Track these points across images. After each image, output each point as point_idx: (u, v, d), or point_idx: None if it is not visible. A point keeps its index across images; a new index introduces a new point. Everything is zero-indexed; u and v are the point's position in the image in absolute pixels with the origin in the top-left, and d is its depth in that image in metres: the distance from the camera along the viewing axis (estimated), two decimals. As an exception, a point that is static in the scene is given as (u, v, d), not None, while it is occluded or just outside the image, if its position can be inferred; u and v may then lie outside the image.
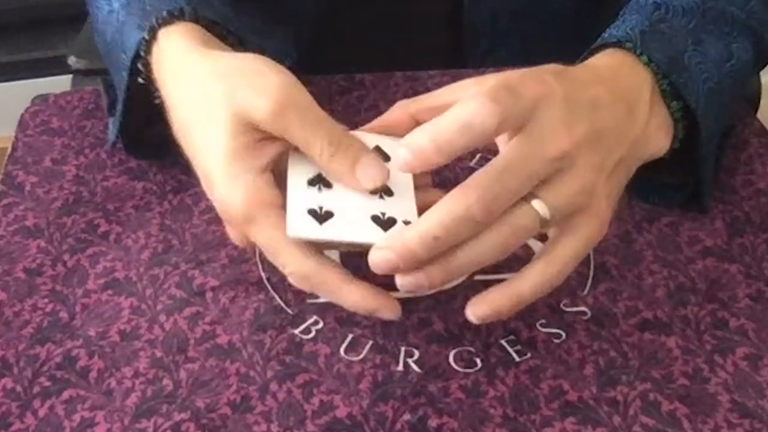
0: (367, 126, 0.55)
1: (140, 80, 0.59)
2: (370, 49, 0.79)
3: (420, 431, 0.51)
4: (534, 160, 0.48)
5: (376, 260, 0.48)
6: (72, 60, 0.95)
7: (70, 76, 0.96)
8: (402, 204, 0.51)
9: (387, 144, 0.54)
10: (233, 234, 0.55)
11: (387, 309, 0.51)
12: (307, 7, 0.82)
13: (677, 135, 0.57)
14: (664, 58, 0.56)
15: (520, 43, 0.83)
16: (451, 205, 0.47)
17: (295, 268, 0.50)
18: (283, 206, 0.50)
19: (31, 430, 0.51)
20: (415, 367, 0.54)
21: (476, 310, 0.50)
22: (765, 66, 0.67)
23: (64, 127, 0.72)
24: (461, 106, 0.47)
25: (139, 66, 0.59)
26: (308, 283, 0.51)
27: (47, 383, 0.53)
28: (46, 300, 0.58)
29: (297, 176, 0.52)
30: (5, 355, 0.55)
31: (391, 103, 0.72)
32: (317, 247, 0.51)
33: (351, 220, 0.50)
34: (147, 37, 0.58)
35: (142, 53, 0.59)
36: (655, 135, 0.56)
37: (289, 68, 0.84)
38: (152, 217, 0.64)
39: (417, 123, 0.52)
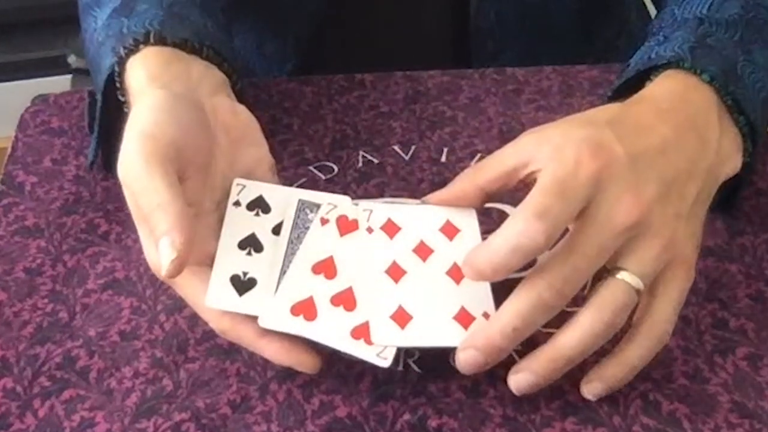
0: (434, 197, 0.54)
1: (125, 110, 0.59)
2: (373, 53, 0.79)
3: (420, 431, 0.51)
4: (602, 236, 0.48)
5: (464, 361, 0.49)
6: (72, 59, 0.95)
7: (70, 76, 0.96)
8: (478, 295, 0.51)
9: (457, 217, 0.53)
10: None
11: (303, 365, 0.50)
12: (308, 12, 0.82)
13: (747, 149, 0.57)
14: (719, 71, 0.56)
15: (526, 45, 0.83)
16: (524, 294, 0.48)
17: (214, 324, 0.51)
18: (203, 263, 0.51)
19: (31, 430, 0.51)
20: (415, 367, 0.54)
21: (591, 388, 0.51)
22: None
23: (64, 127, 0.72)
24: (510, 226, 0.47)
25: (120, 97, 0.59)
26: (228, 336, 0.52)
27: (47, 383, 0.53)
28: (46, 300, 0.58)
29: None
30: (5, 355, 0.55)
31: (391, 103, 0.73)
32: None
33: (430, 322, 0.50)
34: (117, 69, 0.58)
35: (117, 84, 0.59)
36: (728, 153, 0.55)
37: (290, 72, 0.85)
38: (152, 217, 0.64)
39: (485, 193, 0.52)
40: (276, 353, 0.50)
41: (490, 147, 0.68)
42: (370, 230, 0.53)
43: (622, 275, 0.49)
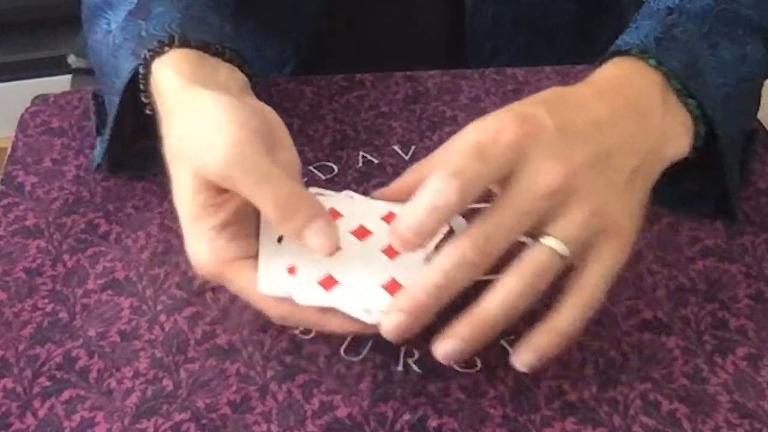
0: (381, 192, 0.55)
1: (147, 111, 0.60)
2: (370, 56, 0.79)
3: (420, 431, 0.51)
4: (524, 198, 0.48)
5: (389, 326, 0.48)
6: (72, 59, 0.95)
7: (70, 76, 0.96)
8: (411, 270, 0.51)
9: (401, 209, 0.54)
10: None
11: (369, 328, 0.50)
12: (307, 14, 0.82)
13: (699, 132, 0.56)
14: (680, 65, 0.56)
15: (523, 46, 0.83)
16: (448, 252, 0.48)
17: (272, 312, 0.51)
18: (252, 257, 0.51)
19: (31, 430, 0.51)
20: (415, 367, 0.54)
21: (522, 358, 0.50)
22: None
23: (64, 127, 0.72)
24: (426, 187, 0.48)
25: (143, 99, 0.59)
26: (290, 322, 0.52)
27: (47, 383, 0.53)
28: (46, 300, 0.58)
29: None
30: (5, 355, 0.55)
31: (391, 103, 0.73)
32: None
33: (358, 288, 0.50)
34: (143, 71, 0.58)
35: (141, 86, 0.59)
36: (674, 136, 0.55)
37: (290, 74, 0.85)
38: (152, 217, 0.64)
39: None
40: (341, 323, 0.50)
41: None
42: None
43: (545, 239, 0.48)
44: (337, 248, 0.49)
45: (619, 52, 0.58)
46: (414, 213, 0.48)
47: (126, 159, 0.66)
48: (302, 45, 0.83)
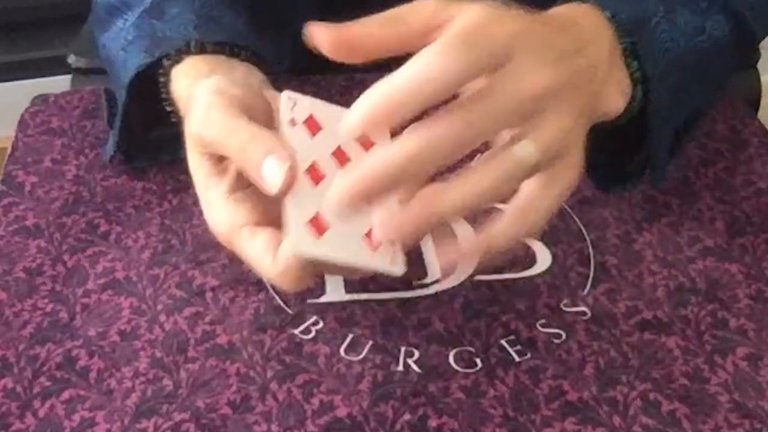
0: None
1: (168, 109, 0.60)
2: None
3: (420, 431, 0.51)
4: (514, 93, 0.45)
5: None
6: (72, 59, 0.95)
7: (70, 76, 0.96)
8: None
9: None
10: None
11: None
12: (303, 11, 0.82)
13: (635, 97, 0.55)
14: (630, 18, 0.54)
15: None
16: (435, 124, 0.45)
17: (275, 280, 0.49)
18: (260, 222, 0.49)
19: (31, 430, 0.51)
20: (415, 367, 0.54)
21: (446, 261, 0.48)
22: (749, 54, 0.65)
23: (64, 127, 0.72)
24: (418, 58, 0.45)
25: (166, 106, 0.59)
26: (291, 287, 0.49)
27: (47, 383, 0.53)
28: (46, 300, 0.58)
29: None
30: (5, 355, 0.55)
31: (391, 103, 0.73)
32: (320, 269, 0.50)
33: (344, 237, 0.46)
34: (162, 79, 0.59)
35: (163, 94, 0.59)
36: (613, 92, 0.53)
37: (286, 71, 0.85)
38: (152, 217, 0.64)
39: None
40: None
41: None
42: (293, 122, 0.50)
43: (524, 141, 0.46)
44: (291, 185, 0.47)
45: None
46: (397, 83, 0.45)
47: (139, 147, 0.66)
48: (298, 42, 0.83)
